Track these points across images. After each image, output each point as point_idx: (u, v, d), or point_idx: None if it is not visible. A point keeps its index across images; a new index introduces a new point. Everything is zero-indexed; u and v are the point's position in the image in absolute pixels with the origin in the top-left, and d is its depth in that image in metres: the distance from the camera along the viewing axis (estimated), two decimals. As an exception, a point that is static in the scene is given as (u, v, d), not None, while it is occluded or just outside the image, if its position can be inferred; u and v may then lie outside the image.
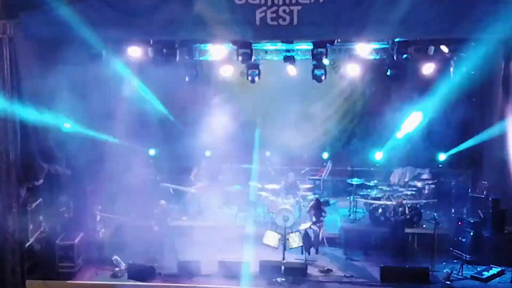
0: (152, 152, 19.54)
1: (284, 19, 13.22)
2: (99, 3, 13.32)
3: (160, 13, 13.30)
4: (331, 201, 18.92)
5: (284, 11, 13.16)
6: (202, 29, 13.29)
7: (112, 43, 14.50)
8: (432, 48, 15.58)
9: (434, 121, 18.33)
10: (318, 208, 15.98)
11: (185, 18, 13.24)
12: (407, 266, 14.64)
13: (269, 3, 13.09)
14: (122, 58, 15.55)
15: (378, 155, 19.16)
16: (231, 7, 13.15)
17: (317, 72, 16.67)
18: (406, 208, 15.97)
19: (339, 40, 14.80)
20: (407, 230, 15.87)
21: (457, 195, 17.75)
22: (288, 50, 16.58)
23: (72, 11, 13.27)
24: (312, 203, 16.30)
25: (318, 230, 15.85)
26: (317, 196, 17.26)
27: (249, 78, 17.25)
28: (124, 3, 13.38)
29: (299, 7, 13.12)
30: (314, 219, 15.89)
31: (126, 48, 15.15)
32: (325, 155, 20.21)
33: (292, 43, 15.83)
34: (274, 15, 13.19)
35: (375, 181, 18.04)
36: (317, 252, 15.81)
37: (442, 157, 18.77)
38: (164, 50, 15.14)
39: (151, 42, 14.92)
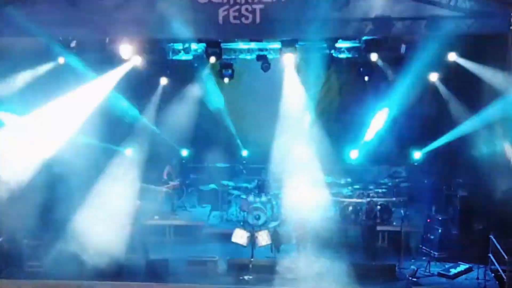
0: (129, 152, 19.48)
1: (246, 18, 13.29)
2: (63, 3, 13.39)
3: (123, 13, 13.36)
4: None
5: (246, 9, 13.23)
6: (165, 28, 13.35)
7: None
8: (404, 46, 15.70)
9: (406, 118, 18.34)
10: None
11: (148, 17, 13.33)
12: (373, 263, 14.66)
13: (232, 1, 13.21)
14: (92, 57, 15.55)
15: (354, 154, 19.22)
16: (193, 6, 13.24)
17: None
18: (377, 206, 16.00)
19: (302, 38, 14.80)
20: (377, 228, 15.87)
21: (431, 193, 17.74)
22: (260, 49, 16.77)
23: (36, 10, 13.34)
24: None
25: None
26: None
27: (223, 77, 17.40)
28: (87, 2, 13.43)
29: (262, 6, 13.20)
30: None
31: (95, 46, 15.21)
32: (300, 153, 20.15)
33: (262, 41, 15.96)
34: (237, 13, 13.27)
35: (348, 180, 18.06)
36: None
37: (417, 155, 18.79)
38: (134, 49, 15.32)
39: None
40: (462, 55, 15.65)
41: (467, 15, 13.42)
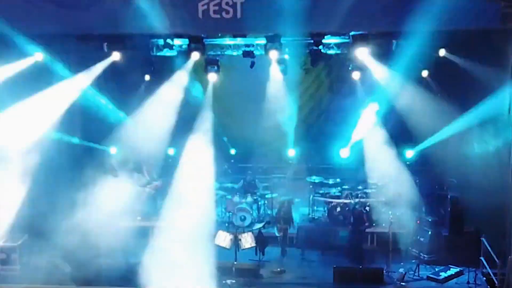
0: (113, 150, 18.96)
1: (227, 12, 12.77)
2: (37, -3, 12.88)
3: (99, 6, 12.85)
4: (296, 199, 18.36)
5: (227, 3, 12.71)
6: (143, 22, 12.82)
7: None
8: (394, 42, 15.20)
9: (397, 116, 17.85)
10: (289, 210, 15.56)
11: (125, 11, 12.77)
12: (360, 267, 14.18)
13: (211, -5, 12.66)
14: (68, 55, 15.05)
15: (344, 153, 18.71)
16: (172, 0, 12.70)
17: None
18: (365, 207, 15.51)
19: (286, 34, 14.29)
20: (365, 230, 15.40)
21: (422, 193, 17.23)
22: (247, 45, 16.26)
23: (9, 6, 12.85)
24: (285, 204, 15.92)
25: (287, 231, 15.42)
26: (290, 198, 16.76)
27: (208, 74, 16.90)
28: (62, -4, 12.95)
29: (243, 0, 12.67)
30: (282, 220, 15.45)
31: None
32: (291, 153, 19.69)
33: (246, 37, 15.47)
34: (217, 7, 12.75)
35: (337, 179, 17.58)
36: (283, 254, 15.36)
37: (409, 154, 18.30)
38: (114, 45, 14.84)
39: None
40: (452, 51, 15.15)
41: (456, 9, 12.88)
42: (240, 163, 18.91)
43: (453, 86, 16.51)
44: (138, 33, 13.85)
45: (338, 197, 16.45)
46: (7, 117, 14.04)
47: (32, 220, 14.72)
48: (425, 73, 16.79)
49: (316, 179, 17.08)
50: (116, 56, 14.98)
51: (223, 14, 12.75)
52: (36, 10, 12.87)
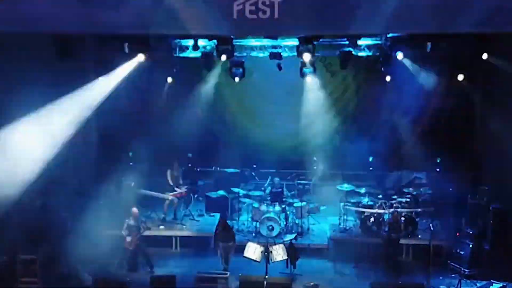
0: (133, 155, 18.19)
1: (264, 12, 11.93)
2: (63, -5, 12.12)
3: (128, 6, 12.08)
4: (322, 207, 17.62)
5: (263, 3, 11.87)
6: (174, 23, 12.02)
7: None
8: (429, 44, 14.51)
9: (429, 120, 17.21)
10: (226, 228, 14.62)
11: (156, 11, 11.98)
12: (400, 282, 13.43)
13: (248, -6, 11.89)
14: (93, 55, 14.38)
15: (372, 158, 18.03)
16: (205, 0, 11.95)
17: (305, 70, 15.95)
18: (401, 217, 14.75)
19: (324, 35, 13.56)
20: (401, 241, 14.65)
21: (456, 202, 16.50)
22: (274, 47, 15.67)
23: (34, 5, 12.10)
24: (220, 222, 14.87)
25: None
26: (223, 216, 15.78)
27: (233, 76, 16.30)
28: (88, -5, 12.17)
29: (280, -1, 11.90)
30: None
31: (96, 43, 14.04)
32: (316, 158, 18.96)
33: (276, 39, 14.78)
34: (253, 7, 11.91)
35: (368, 187, 16.78)
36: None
37: (440, 159, 17.62)
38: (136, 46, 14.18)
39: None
40: (494, 53, 14.45)
41: (504, 11, 12.14)
42: (265, 168, 18.15)
43: (492, 89, 15.79)
44: (167, 34, 13.15)
45: (371, 207, 15.64)
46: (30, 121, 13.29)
47: (52, 230, 13.95)
48: (461, 76, 16.06)
49: (347, 187, 16.25)
50: (141, 58, 14.26)
51: (260, 14, 11.93)
52: (62, 9, 12.06)
